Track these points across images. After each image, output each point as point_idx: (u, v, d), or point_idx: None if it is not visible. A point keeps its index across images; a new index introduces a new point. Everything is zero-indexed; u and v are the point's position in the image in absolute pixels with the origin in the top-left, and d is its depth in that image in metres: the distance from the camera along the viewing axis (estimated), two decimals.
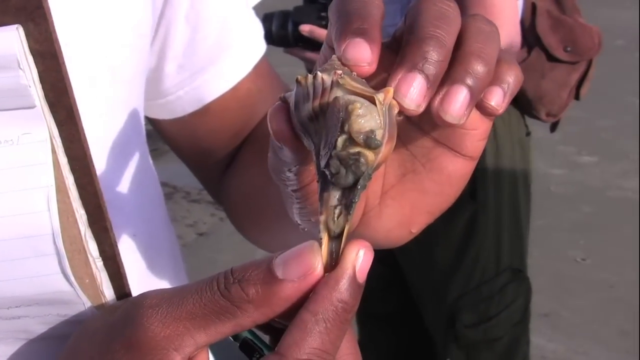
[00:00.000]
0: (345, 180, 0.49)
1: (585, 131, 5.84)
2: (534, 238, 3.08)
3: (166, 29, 0.86)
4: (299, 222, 0.62)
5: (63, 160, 0.55)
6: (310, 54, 2.23)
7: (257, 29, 0.95)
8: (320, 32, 2.19)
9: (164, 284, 0.87)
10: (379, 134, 0.48)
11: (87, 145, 0.56)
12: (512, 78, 0.54)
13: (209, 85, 0.90)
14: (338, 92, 0.49)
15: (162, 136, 0.96)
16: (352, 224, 0.50)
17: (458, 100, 0.51)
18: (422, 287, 2.32)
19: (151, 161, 0.88)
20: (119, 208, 0.76)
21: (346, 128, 0.48)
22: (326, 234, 0.49)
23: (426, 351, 2.52)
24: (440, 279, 2.27)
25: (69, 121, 0.54)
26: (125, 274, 0.61)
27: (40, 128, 0.54)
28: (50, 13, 0.53)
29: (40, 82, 0.53)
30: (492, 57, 0.53)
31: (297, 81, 0.52)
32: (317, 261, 0.48)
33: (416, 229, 0.61)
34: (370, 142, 0.48)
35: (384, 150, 0.49)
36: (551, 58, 2.22)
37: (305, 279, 0.48)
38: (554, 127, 2.43)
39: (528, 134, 2.31)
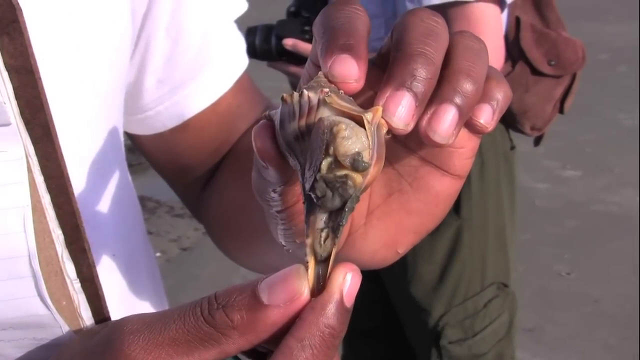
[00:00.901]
0: (332, 203, 0.47)
1: (569, 145, 5.85)
2: (518, 252, 3.07)
3: (146, 42, 0.84)
4: (283, 243, 0.61)
5: (39, 178, 0.53)
6: (293, 68, 2.23)
7: (239, 43, 0.94)
8: (303, 46, 2.19)
9: (143, 304, 0.86)
10: (365, 156, 0.46)
11: (64, 163, 0.54)
12: (501, 95, 0.53)
13: (189, 100, 0.88)
14: (325, 111, 0.48)
15: (141, 151, 0.95)
16: (339, 246, 0.49)
17: (446, 120, 0.50)
18: (405, 302, 2.31)
19: (130, 178, 0.87)
20: (97, 227, 0.74)
21: (331, 151, 0.46)
22: (312, 258, 0.48)
23: None
24: (424, 294, 2.25)
25: (45, 139, 0.52)
26: (103, 295, 0.59)
27: (15, 146, 0.52)
28: (25, 27, 0.51)
29: (16, 98, 0.51)
30: (481, 74, 0.52)
31: (283, 99, 0.50)
32: (304, 285, 0.47)
33: (402, 249, 0.60)
34: (357, 165, 0.46)
35: (372, 171, 0.47)
36: (535, 72, 2.23)
37: (291, 304, 0.46)
38: (538, 141, 2.43)
39: (512, 147, 2.31)
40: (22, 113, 0.52)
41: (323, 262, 0.48)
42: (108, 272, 0.77)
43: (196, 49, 0.87)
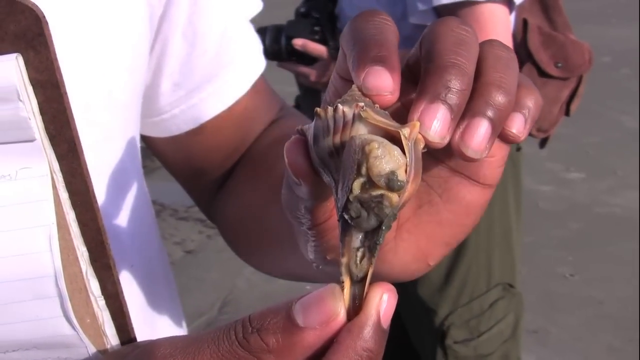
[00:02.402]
0: (367, 223, 0.46)
1: (572, 148, 5.85)
2: (522, 255, 3.05)
3: (163, 45, 0.83)
4: (313, 259, 0.59)
5: (64, 195, 0.52)
6: (302, 68, 2.23)
7: (256, 45, 0.93)
8: (312, 46, 2.20)
9: (161, 313, 0.85)
10: (401, 174, 0.45)
11: (90, 179, 0.53)
12: (532, 103, 0.52)
13: (205, 104, 0.87)
14: (360, 127, 0.47)
15: (155, 154, 0.94)
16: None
17: (480, 134, 0.49)
18: (411, 302, 2.30)
19: (145, 185, 0.86)
20: (116, 238, 0.73)
21: (363, 171, 0.45)
22: (348, 278, 0.46)
23: None
24: (430, 294, 2.25)
25: (70, 154, 0.51)
26: (128, 312, 0.58)
27: (40, 162, 0.51)
28: (52, 40, 0.50)
29: (41, 113, 0.50)
30: (513, 85, 0.51)
31: (317, 114, 0.49)
32: (340, 307, 0.45)
33: (433, 261, 0.59)
34: (392, 185, 0.45)
35: (410, 188, 0.46)
36: (542, 74, 2.22)
37: (327, 326, 0.45)
38: (543, 143, 2.42)
39: (519, 149, 2.31)
40: (47, 128, 0.51)
41: (359, 282, 0.46)
42: (128, 284, 0.76)
43: (213, 52, 0.87)
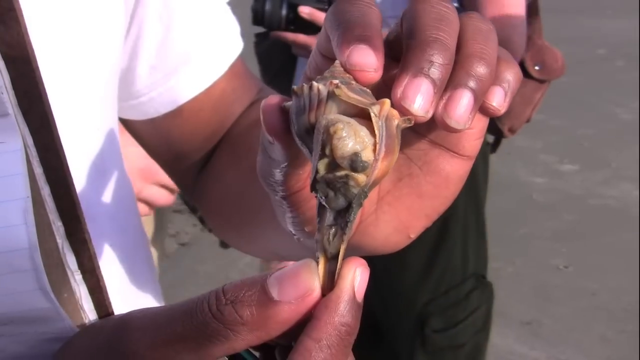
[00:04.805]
0: (336, 202, 0.47)
1: (566, 140, 5.85)
2: (516, 246, 3.08)
3: (138, 28, 0.84)
4: (292, 231, 0.60)
5: (38, 170, 0.52)
6: (303, 37, 2.17)
7: (233, 27, 0.93)
8: (319, 15, 2.14)
9: (143, 293, 0.86)
10: (365, 155, 0.46)
11: (64, 154, 0.53)
12: (512, 76, 0.53)
13: (182, 86, 0.87)
14: (333, 105, 0.47)
15: (135, 137, 0.94)
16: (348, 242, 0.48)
17: (462, 105, 0.49)
18: (392, 290, 2.31)
19: (125, 167, 0.86)
20: (93, 219, 0.74)
21: (327, 151, 0.46)
22: (323, 254, 0.47)
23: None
24: (412, 281, 2.27)
25: (44, 129, 0.51)
26: (105, 287, 0.58)
27: (14, 137, 0.51)
28: (22, 16, 0.50)
29: (13, 88, 0.50)
30: (493, 57, 0.52)
31: (294, 92, 0.49)
32: (315, 282, 0.45)
33: (414, 233, 0.59)
34: (355, 166, 0.46)
35: (381, 166, 0.46)
36: (524, 73, 2.25)
37: (302, 301, 0.45)
38: (495, 147, 2.44)
39: (488, 143, 2.35)
40: (19, 103, 0.51)
41: (333, 258, 0.47)
42: (106, 264, 0.76)
43: (189, 34, 0.87)
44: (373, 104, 0.47)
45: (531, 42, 2.24)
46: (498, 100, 0.52)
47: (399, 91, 0.48)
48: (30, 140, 0.52)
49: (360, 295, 0.46)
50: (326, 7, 2.16)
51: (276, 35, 2.23)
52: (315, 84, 0.48)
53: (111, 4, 0.77)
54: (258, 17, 2.21)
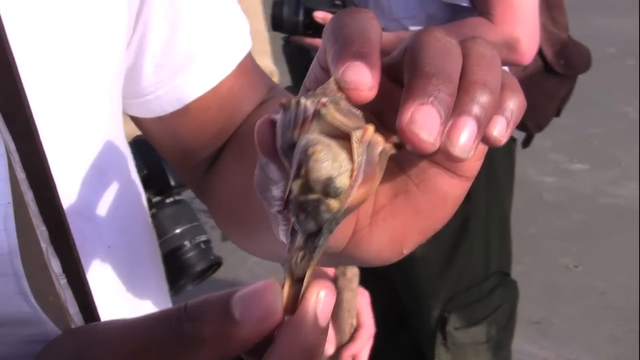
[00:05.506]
0: (306, 225, 0.45)
1: (576, 139, 5.84)
2: (525, 245, 3.08)
3: (144, 26, 0.83)
4: (285, 242, 0.60)
5: (21, 175, 0.53)
6: (320, 42, 2.17)
7: (242, 25, 0.92)
8: None
9: (145, 293, 0.86)
10: (340, 181, 0.44)
11: (47, 159, 0.53)
12: (515, 105, 0.51)
13: (188, 84, 0.87)
14: (317, 125, 0.46)
15: (145, 134, 0.94)
16: (320, 264, 0.47)
17: (466, 133, 0.48)
18: (413, 287, 2.31)
19: (132, 166, 0.86)
20: (91, 219, 0.74)
21: (302, 172, 0.44)
22: (289, 276, 0.46)
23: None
24: (431, 279, 2.27)
25: (26, 135, 0.52)
26: (90, 291, 0.59)
27: None
28: (1, 21, 0.50)
29: None
30: (497, 84, 0.50)
31: (281, 105, 0.48)
32: (277, 304, 0.44)
33: (407, 249, 0.58)
34: (328, 191, 0.44)
35: (358, 193, 0.45)
36: (546, 69, 2.24)
37: (264, 322, 0.44)
38: (526, 144, 2.43)
39: (514, 139, 2.32)
40: (1, 109, 0.51)
41: (299, 281, 0.46)
42: (103, 264, 0.77)
43: (195, 33, 0.86)
44: (357, 128, 0.46)
45: (555, 37, 2.23)
46: (500, 130, 0.51)
47: (406, 116, 0.46)
48: (12, 146, 0.52)
49: (323, 318, 0.45)
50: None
51: (295, 40, 2.25)
52: (302, 100, 0.47)
53: (113, 4, 0.77)
54: (276, 22, 2.22)
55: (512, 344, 2.40)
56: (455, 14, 2.10)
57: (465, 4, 2.08)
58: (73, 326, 0.58)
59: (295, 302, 0.45)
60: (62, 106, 0.71)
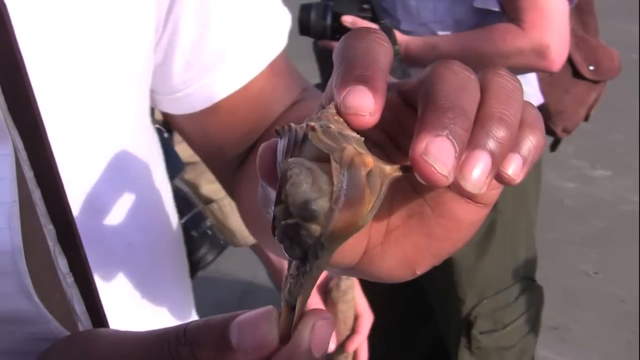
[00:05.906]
0: (292, 252, 0.45)
1: (598, 145, 5.80)
2: (545, 251, 3.05)
3: (174, 25, 0.84)
4: (282, 258, 0.60)
5: (29, 174, 0.53)
6: None
7: (279, 23, 0.91)
8: (362, 24, 2.14)
9: (165, 291, 0.86)
10: (317, 204, 0.43)
11: (54, 160, 0.54)
12: (533, 143, 0.49)
13: (217, 84, 0.87)
14: (306, 149, 0.45)
15: (176, 129, 0.95)
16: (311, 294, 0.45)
17: (479, 167, 0.46)
18: (439, 291, 2.32)
19: (162, 166, 0.86)
20: (108, 216, 0.74)
21: (283, 197, 0.44)
22: (286, 304, 0.45)
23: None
24: (458, 284, 2.28)
25: (34, 136, 0.52)
26: (97, 290, 0.59)
27: (3, 141, 0.52)
28: (10, 22, 0.51)
29: (3, 94, 0.51)
30: (515, 119, 0.48)
31: (276, 132, 0.48)
32: (273, 333, 0.44)
33: (420, 270, 0.57)
34: (304, 214, 0.43)
35: (342, 217, 0.44)
36: (575, 74, 2.24)
37: (260, 351, 0.44)
38: (555, 145, 2.43)
39: None
40: (10, 108, 0.52)
41: (294, 309, 0.45)
42: (120, 261, 0.77)
43: (226, 32, 0.86)
44: (342, 149, 0.44)
45: (585, 42, 2.22)
46: (514, 169, 0.49)
47: (420, 146, 0.45)
48: (20, 145, 0.53)
49: (318, 349, 0.45)
50: (369, 15, 2.16)
51: (323, 44, 2.25)
52: (293, 125, 0.47)
53: (141, 4, 0.78)
54: (304, 27, 2.22)
55: (535, 350, 2.40)
56: (484, 18, 2.09)
57: (495, 9, 2.07)
58: (79, 324, 0.58)
59: (289, 331, 0.45)
60: (84, 104, 0.72)
